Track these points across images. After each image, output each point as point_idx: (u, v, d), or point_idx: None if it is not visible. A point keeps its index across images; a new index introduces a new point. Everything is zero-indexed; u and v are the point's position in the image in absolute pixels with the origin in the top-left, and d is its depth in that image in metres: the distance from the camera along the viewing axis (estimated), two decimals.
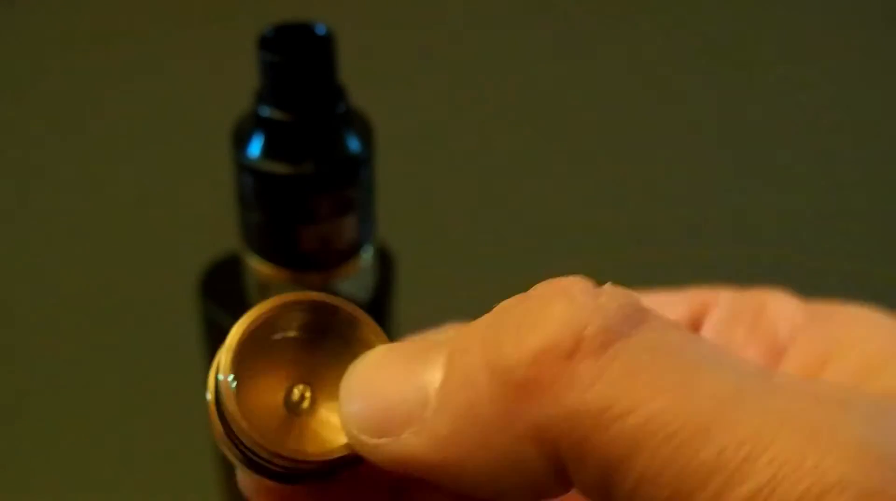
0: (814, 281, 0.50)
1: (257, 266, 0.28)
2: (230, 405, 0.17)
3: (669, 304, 0.21)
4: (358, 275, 0.29)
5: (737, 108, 0.61)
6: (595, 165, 0.56)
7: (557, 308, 0.16)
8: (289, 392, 0.18)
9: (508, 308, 0.17)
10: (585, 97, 0.61)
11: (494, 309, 0.18)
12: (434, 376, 0.17)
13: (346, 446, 0.18)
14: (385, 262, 0.31)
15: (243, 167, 0.27)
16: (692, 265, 0.50)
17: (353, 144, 0.27)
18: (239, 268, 0.30)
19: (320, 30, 0.27)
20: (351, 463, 0.18)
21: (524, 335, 0.16)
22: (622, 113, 0.60)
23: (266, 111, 0.26)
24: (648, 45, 0.65)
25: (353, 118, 0.27)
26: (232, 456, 0.18)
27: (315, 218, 0.27)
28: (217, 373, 0.18)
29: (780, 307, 0.20)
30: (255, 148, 0.27)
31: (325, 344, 0.18)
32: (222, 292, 0.30)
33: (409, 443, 0.17)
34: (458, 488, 0.17)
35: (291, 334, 0.18)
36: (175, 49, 0.63)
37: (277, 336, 0.18)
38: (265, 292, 0.29)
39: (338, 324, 0.18)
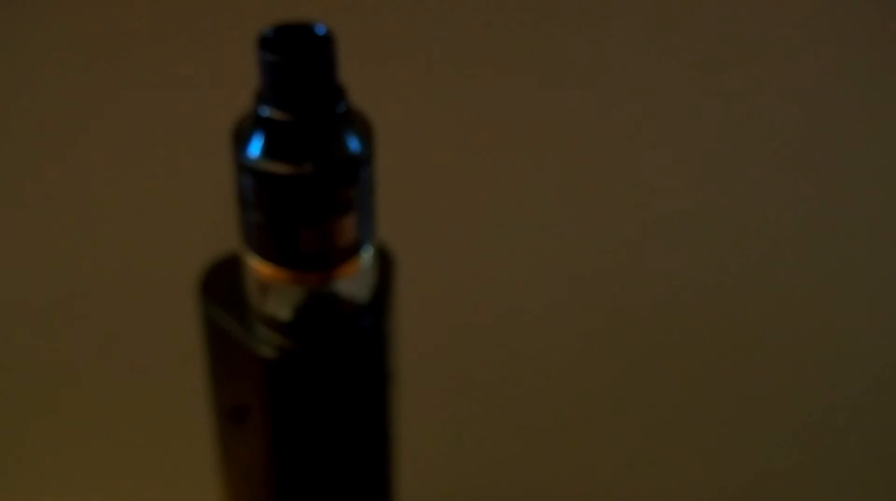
0: (811, 282, 0.50)
1: (257, 266, 0.28)
2: None
3: None
4: (358, 275, 0.29)
5: (734, 109, 0.61)
6: (596, 166, 0.56)
7: None
8: None
9: None
10: (588, 97, 0.61)
11: None
12: None
13: None
14: (385, 262, 0.31)
15: (243, 167, 0.27)
16: (693, 266, 0.50)
17: (353, 144, 0.27)
18: (239, 268, 0.30)
19: (320, 30, 0.27)
20: None
21: None
22: (625, 113, 0.60)
23: (266, 111, 0.26)
24: (649, 47, 0.65)
25: (353, 118, 0.27)
26: None
27: (315, 218, 0.27)
28: None
29: None
30: (255, 148, 0.27)
31: None
32: (222, 292, 0.30)
33: None
34: None
35: None
36: (175, 49, 0.63)
37: None
38: (265, 292, 0.29)
39: None
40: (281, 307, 0.29)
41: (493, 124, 0.59)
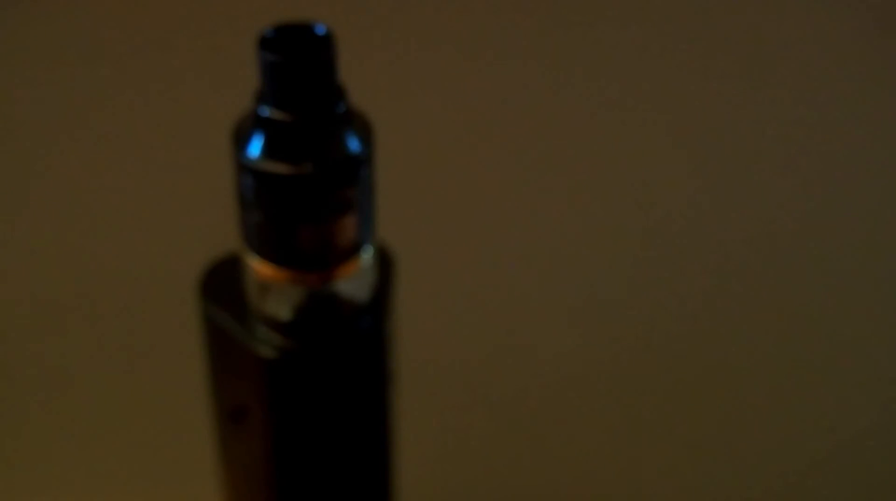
0: (809, 282, 0.50)
1: (257, 266, 0.28)
2: None
3: None
4: (358, 275, 0.29)
5: (733, 110, 0.61)
6: (596, 166, 0.56)
7: None
8: None
9: None
10: (587, 98, 0.61)
11: None
12: None
13: None
14: (385, 262, 0.31)
15: (243, 167, 0.27)
16: (693, 266, 0.50)
17: (353, 144, 0.27)
18: (239, 268, 0.30)
19: (320, 30, 0.27)
20: None
21: None
22: (624, 114, 0.60)
23: (266, 111, 0.26)
24: (649, 48, 0.65)
25: (353, 118, 0.27)
26: None
27: (315, 218, 0.27)
28: None
29: None
30: (255, 148, 0.27)
31: None
32: (222, 292, 0.30)
33: None
34: None
35: None
36: (175, 49, 0.63)
37: None
38: (265, 292, 0.29)
39: None
40: (281, 307, 0.29)
41: (495, 124, 0.59)
